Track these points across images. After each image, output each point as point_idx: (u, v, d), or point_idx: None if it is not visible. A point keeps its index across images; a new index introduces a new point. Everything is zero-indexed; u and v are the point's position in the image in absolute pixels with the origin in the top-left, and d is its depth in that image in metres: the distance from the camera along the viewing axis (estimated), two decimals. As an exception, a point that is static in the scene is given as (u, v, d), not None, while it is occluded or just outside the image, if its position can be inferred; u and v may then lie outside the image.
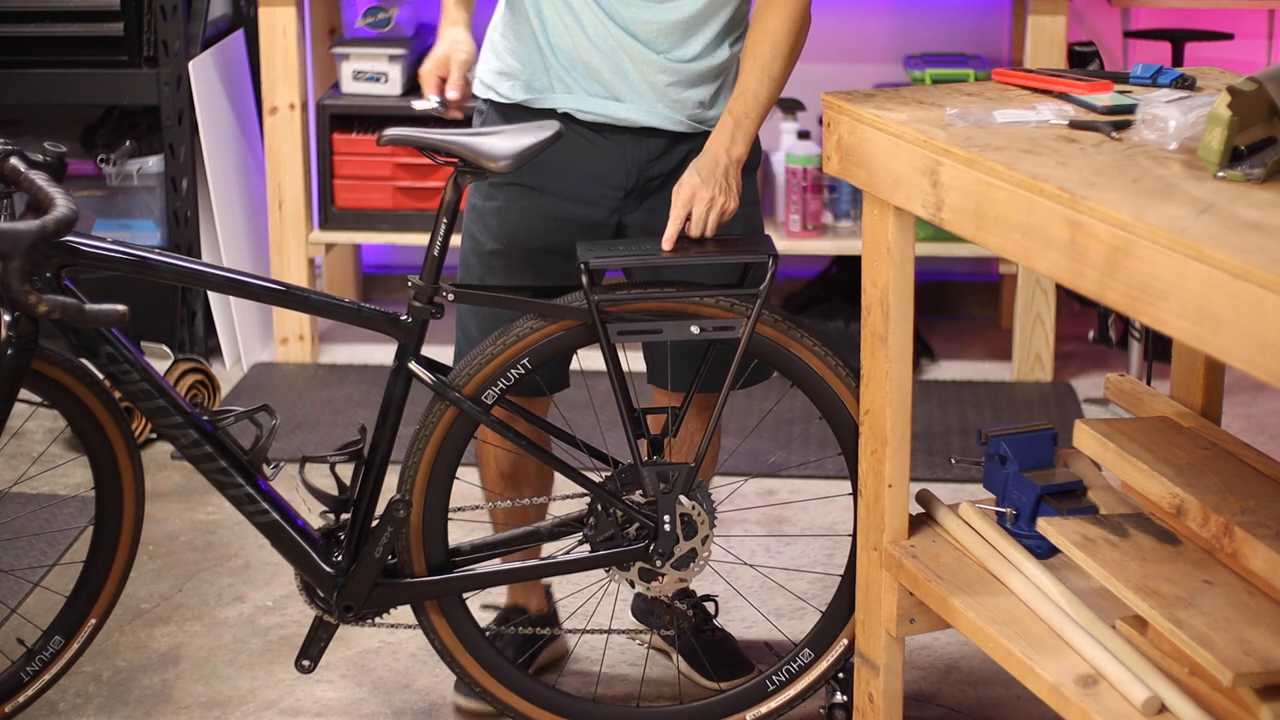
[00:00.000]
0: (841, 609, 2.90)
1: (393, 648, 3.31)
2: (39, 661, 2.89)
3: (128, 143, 4.62)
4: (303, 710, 3.12)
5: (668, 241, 2.72)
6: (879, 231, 2.58)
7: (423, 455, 2.78)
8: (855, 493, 2.79)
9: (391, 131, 2.69)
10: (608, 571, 2.85)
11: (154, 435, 4.24)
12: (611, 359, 2.74)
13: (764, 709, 2.94)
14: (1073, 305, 4.79)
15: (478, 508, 2.99)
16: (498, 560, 2.93)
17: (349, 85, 4.66)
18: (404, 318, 2.73)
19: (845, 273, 4.76)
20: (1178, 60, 4.45)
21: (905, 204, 2.49)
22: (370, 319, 2.75)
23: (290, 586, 3.52)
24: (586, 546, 2.84)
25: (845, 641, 2.90)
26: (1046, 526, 2.48)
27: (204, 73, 4.55)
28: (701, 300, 2.73)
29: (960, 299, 5.10)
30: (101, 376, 2.72)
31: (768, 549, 3.57)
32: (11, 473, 4.03)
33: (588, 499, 2.83)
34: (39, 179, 2.51)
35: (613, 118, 2.86)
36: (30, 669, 2.89)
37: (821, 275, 4.90)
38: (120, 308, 2.39)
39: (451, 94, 2.75)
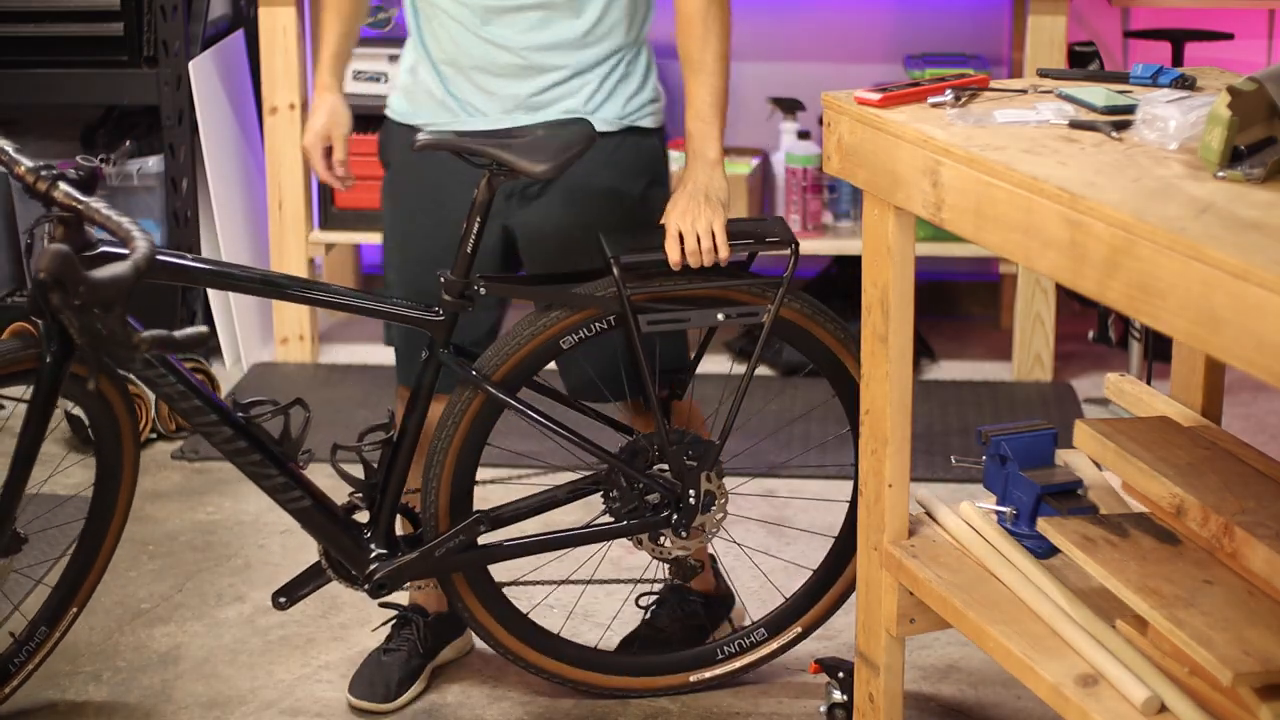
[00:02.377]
0: (804, 599, 3.11)
1: (393, 648, 3.32)
2: (25, 652, 2.98)
3: (128, 143, 4.61)
4: (303, 710, 3.12)
5: (673, 265, 2.82)
6: (879, 231, 2.58)
7: (452, 439, 2.89)
8: (855, 484, 2.88)
9: (425, 137, 2.80)
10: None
11: (154, 435, 4.24)
12: (640, 347, 2.84)
13: (707, 673, 3.12)
14: (1073, 305, 4.79)
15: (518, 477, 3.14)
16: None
17: (349, 85, 4.60)
18: (436, 311, 2.84)
19: (845, 273, 4.76)
20: (1178, 60, 4.45)
21: (905, 204, 2.48)
22: (406, 315, 2.86)
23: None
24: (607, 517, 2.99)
25: (799, 629, 3.11)
26: (1046, 526, 2.48)
27: (204, 73, 4.55)
28: (728, 287, 2.85)
29: (960, 299, 5.10)
30: (140, 382, 2.78)
31: (768, 549, 3.57)
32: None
33: (601, 466, 2.98)
34: (102, 208, 2.51)
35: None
36: (18, 659, 2.98)
37: (821, 275, 4.90)
38: (203, 329, 2.39)
39: (340, 170, 3.04)
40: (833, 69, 4.85)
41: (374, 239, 4.66)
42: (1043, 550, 2.59)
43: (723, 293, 2.87)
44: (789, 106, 4.73)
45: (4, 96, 4.56)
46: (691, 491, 2.95)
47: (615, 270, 2.80)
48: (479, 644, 3.29)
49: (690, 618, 3.22)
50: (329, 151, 3.04)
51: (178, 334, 2.38)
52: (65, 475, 4.02)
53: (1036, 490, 2.63)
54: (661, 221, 2.85)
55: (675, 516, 2.96)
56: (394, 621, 3.19)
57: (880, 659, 2.73)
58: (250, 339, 4.72)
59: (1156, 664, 2.31)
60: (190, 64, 4.49)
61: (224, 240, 4.58)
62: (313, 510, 2.88)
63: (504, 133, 2.84)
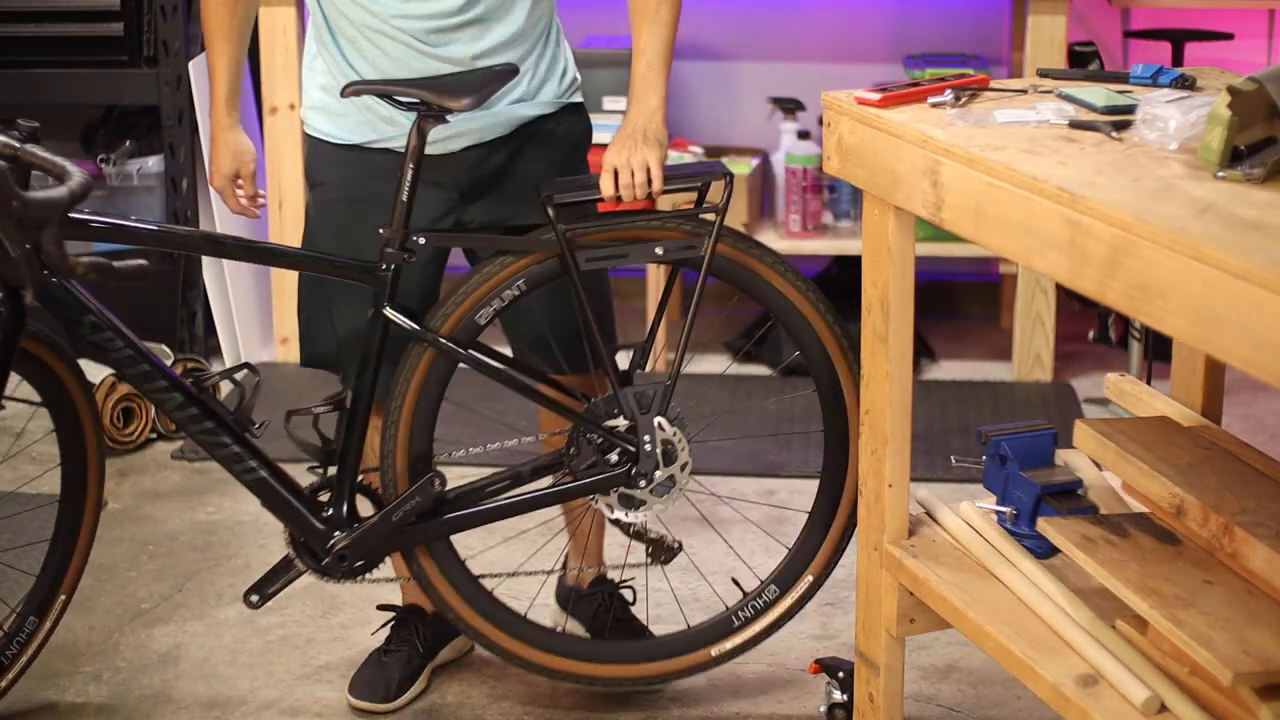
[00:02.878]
0: (808, 546, 3.04)
1: (393, 648, 3.31)
2: (16, 644, 2.97)
3: (128, 143, 4.62)
4: (303, 710, 3.12)
5: (606, 198, 2.84)
6: (879, 231, 2.58)
7: (405, 399, 2.87)
8: (818, 392, 2.98)
9: (355, 83, 2.82)
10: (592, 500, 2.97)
11: (154, 436, 4.25)
12: (581, 289, 2.85)
13: (729, 644, 3.06)
14: (1073, 305, 4.79)
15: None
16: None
17: (349, 85, 4.66)
18: (382, 267, 2.82)
19: (845, 273, 4.77)
20: (1178, 60, 4.45)
21: (905, 204, 2.49)
22: (345, 269, 2.86)
23: (290, 586, 3.51)
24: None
25: (810, 578, 3.05)
26: (1046, 526, 2.48)
27: (204, 73, 4.55)
28: (664, 225, 2.87)
29: (960, 299, 5.11)
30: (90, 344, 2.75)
31: (767, 549, 3.57)
32: (11, 472, 4.03)
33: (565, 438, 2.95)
34: (40, 150, 2.54)
35: (440, 147, 2.91)
36: (9, 652, 2.97)
37: (821, 275, 4.90)
38: (143, 262, 2.49)
39: (262, 203, 3.02)
40: (833, 69, 4.85)
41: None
42: (1043, 550, 2.59)
43: (660, 232, 2.88)
44: (789, 106, 4.73)
45: (4, 96, 4.56)
46: (647, 437, 2.91)
47: (549, 210, 2.81)
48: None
49: (612, 608, 3.22)
50: (238, 188, 3.04)
51: (118, 264, 2.48)
52: (65, 475, 4.02)
53: (1036, 490, 2.63)
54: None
55: (635, 467, 2.92)
56: (393, 623, 3.19)
57: (880, 659, 2.73)
58: (250, 339, 4.72)
59: (1156, 664, 2.31)
60: (190, 64, 4.50)
61: (224, 240, 4.58)
62: (268, 482, 2.83)
63: (425, 79, 2.83)
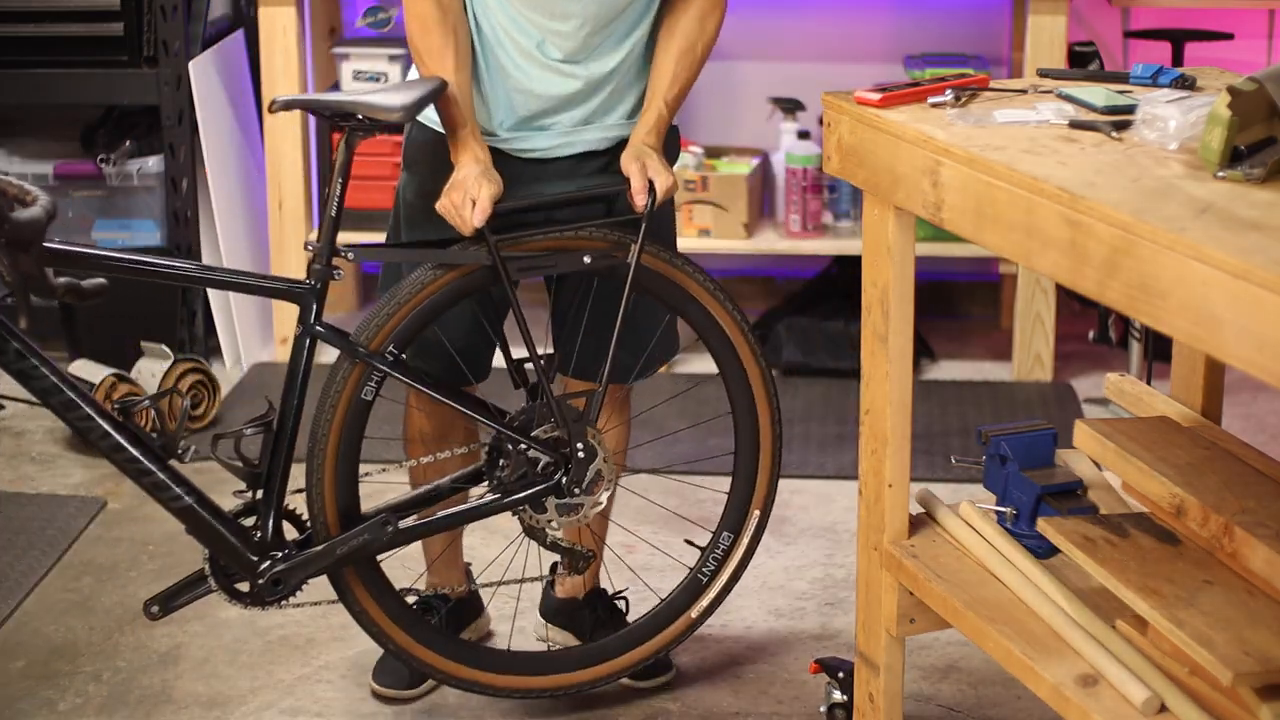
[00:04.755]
0: (744, 484, 3.07)
1: (393, 648, 3.31)
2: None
3: (128, 143, 4.62)
4: (303, 710, 3.12)
5: (640, 203, 2.83)
6: (879, 231, 2.58)
7: (334, 416, 2.85)
8: (734, 414, 3.05)
9: (282, 98, 2.81)
10: (523, 521, 2.94)
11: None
12: (513, 297, 2.85)
13: (704, 602, 3.09)
14: (1073, 305, 4.79)
15: (397, 465, 3.03)
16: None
17: (349, 85, 4.66)
18: (306, 282, 2.81)
19: (845, 273, 4.77)
20: (1178, 60, 4.45)
21: (905, 204, 2.49)
22: (273, 288, 2.87)
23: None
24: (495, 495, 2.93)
25: (758, 512, 3.08)
26: (1046, 526, 2.48)
27: (204, 73, 4.55)
28: (590, 234, 2.88)
29: (960, 299, 5.10)
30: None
31: (767, 548, 3.57)
32: (11, 472, 4.03)
33: (484, 452, 2.95)
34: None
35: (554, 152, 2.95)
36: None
37: (822, 275, 4.90)
38: (103, 281, 2.53)
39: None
40: (833, 69, 4.85)
41: (374, 239, 4.65)
42: (1043, 550, 2.59)
43: (586, 242, 2.87)
44: (789, 106, 4.73)
45: (4, 96, 4.56)
46: (580, 445, 2.89)
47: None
48: (497, 626, 3.30)
49: (603, 608, 3.21)
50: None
51: (84, 283, 2.53)
52: (64, 475, 4.02)
53: (1036, 490, 2.63)
54: (636, 167, 2.86)
55: (565, 478, 2.90)
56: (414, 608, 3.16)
57: (880, 659, 2.73)
58: (250, 339, 4.72)
59: (1156, 664, 2.31)
60: (190, 64, 4.50)
61: (224, 240, 4.58)
62: (194, 509, 2.79)
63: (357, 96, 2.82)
